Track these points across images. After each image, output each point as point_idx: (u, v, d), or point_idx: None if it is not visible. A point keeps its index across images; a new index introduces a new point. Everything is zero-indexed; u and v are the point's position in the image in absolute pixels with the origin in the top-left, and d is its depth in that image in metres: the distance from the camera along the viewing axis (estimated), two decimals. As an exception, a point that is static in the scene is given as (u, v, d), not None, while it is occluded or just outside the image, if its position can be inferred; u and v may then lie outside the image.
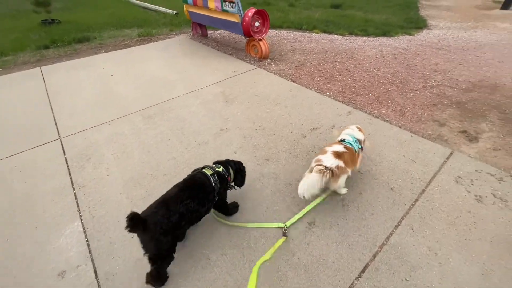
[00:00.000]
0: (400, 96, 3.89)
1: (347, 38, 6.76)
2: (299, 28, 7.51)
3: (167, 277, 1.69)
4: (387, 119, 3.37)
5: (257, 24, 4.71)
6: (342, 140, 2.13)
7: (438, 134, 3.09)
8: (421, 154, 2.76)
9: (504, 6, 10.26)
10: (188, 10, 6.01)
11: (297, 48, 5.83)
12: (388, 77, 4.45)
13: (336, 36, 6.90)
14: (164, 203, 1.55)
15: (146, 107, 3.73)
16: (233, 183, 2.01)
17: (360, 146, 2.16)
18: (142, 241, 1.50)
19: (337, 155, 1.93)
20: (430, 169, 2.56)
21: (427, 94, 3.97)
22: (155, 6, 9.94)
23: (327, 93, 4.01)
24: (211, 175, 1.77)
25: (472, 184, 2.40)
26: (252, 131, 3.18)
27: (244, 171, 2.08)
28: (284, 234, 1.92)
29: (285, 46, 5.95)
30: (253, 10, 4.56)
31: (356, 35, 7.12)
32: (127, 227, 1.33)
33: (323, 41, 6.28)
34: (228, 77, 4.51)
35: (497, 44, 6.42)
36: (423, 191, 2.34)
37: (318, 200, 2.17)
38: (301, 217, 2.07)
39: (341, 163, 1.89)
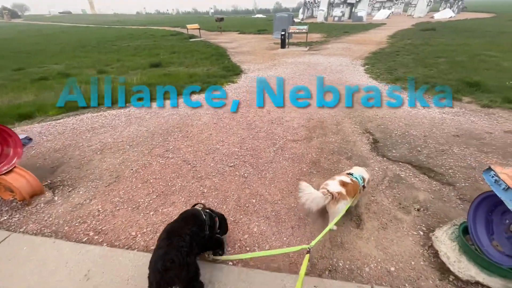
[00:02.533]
0: (261, 184, 2.86)
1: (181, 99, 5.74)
2: (115, 102, 5.74)
3: None
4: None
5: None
6: (350, 174, 2.29)
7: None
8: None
9: (282, 46, 13.21)
10: None
11: (109, 142, 3.88)
12: (236, 151, 3.54)
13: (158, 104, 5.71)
14: (171, 233, 1.60)
15: None
16: (218, 230, 1.99)
17: (363, 184, 2.27)
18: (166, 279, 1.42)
19: (342, 183, 2.13)
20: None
21: (283, 164, 3.24)
22: None
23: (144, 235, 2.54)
24: (201, 209, 1.90)
25: None
26: None
27: (226, 221, 2.12)
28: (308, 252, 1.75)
29: (87, 145, 3.82)
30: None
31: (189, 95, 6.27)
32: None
33: (148, 117, 4.86)
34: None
35: (295, 76, 7.65)
36: None
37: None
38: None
39: (343, 191, 2.08)
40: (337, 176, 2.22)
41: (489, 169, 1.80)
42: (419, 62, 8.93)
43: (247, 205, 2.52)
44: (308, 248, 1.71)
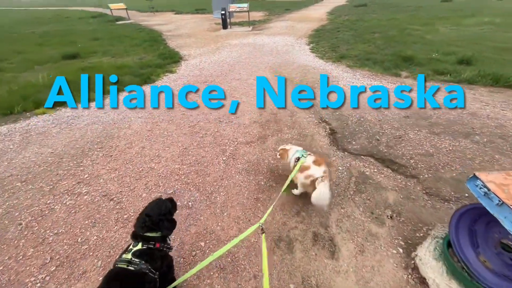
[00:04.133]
0: (211, 215, 2.21)
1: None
2: (8, 113, 4.21)
3: None
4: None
5: None
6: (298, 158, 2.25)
7: None
8: None
9: (224, 27, 12.05)
10: None
11: None
12: (176, 169, 2.72)
13: (79, 108, 4.40)
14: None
15: None
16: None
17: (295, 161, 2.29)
18: None
19: (317, 162, 2.13)
20: None
21: (236, 179, 2.59)
22: None
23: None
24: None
25: None
26: None
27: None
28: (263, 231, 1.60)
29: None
30: None
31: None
32: None
33: (55, 132, 3.61)
34: None
35: (242, 60, 6.88)
36: None
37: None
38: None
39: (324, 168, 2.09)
40: (307, 164, 2.15)
41: (475, 177, 1.49)
42: (358, 38, 8.97)
43: (193, 252, 1.87)
44: (260, 225, 1.58)
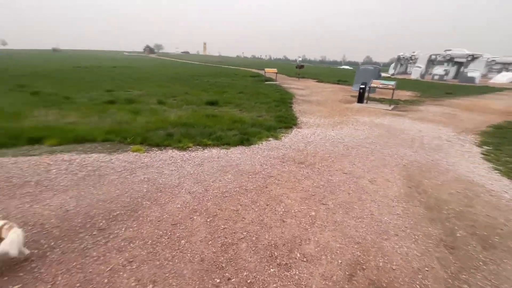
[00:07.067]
0: None
1: (184, 154, 4.42)
2: (122, 141, 4.84)
3: None
4: None
5: None
6: None
7: None
8: None
9: (359, 100, 10.97)
10: None
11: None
12: None
13: (171, 151, 4.49)
14: None
15: None
16: None
17: None
18: None
19: None
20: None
21: None
22: None
23: None
24: None
25: None
26: None
27: None
28: None
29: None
30: None
31: (205, 146, 4.96)
32: None
33: (127, 178, 3.61)
34: None
35: (364, 144, 5.33)
36: None
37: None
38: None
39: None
40: None
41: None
42: None
43: None
44: None
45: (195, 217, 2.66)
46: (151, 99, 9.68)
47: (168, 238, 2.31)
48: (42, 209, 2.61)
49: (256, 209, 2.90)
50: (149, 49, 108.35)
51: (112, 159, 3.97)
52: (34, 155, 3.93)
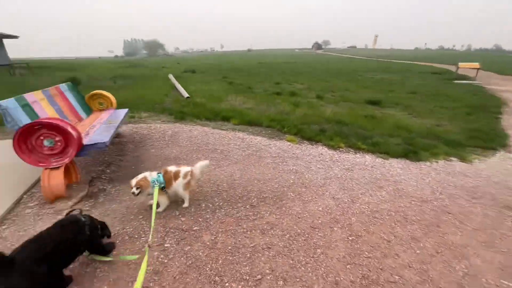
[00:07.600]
0: None
1: (333, 153, 4.13)
2: (280, 129, 5.28)
3: None
4: None
5: (47, 143, 2.54)
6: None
7: None
8: None
9: None
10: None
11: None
12: None
13: (321, 148, 4.38)
14: (29, 241, 1.48)
15: None
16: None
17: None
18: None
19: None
20: None
21: None
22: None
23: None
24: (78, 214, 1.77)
25: None
26: None
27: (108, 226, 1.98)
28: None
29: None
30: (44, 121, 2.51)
31: (358, 149, 4.42)
32: None
33: (279, 164, 3.85)
34: None
35: None
36: None
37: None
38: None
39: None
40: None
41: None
42: None
43: None
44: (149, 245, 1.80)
45: (335, 228, 2.40)
46: (311, 93, 10.04)
47: (305, 240, 2.23)
48: (220, 173, 3.40)
49: (418, 251, 2.17)
50: (317, 45, 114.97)
51: (270, 144, 4.48)
52: (223, 129, 5.22)
